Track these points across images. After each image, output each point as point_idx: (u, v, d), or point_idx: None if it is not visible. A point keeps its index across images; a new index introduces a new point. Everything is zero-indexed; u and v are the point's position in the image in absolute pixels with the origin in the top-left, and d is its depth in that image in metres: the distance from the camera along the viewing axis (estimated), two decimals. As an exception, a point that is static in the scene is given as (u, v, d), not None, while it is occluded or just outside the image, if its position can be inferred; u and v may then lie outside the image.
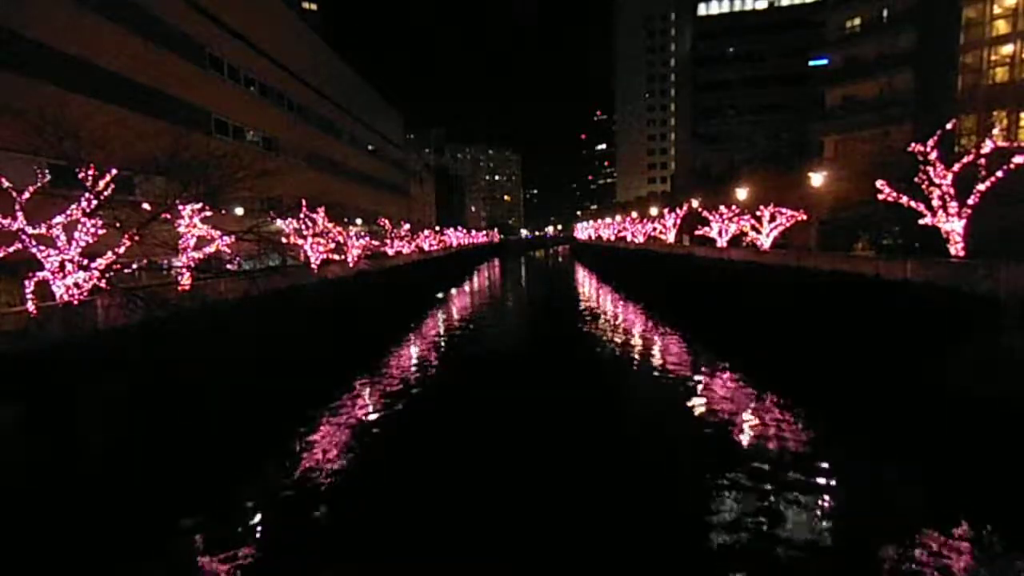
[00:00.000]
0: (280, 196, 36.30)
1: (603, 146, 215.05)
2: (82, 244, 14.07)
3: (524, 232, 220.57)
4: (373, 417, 16.58)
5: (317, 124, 48.70)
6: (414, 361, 24.06)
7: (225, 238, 19.08)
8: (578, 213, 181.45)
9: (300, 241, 29.10)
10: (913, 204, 19.36)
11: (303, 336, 22.65)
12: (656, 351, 24.70)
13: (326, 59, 52.97)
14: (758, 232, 32.74)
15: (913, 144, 19.08)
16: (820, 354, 19.06)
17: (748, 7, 74.70)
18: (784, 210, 31.28)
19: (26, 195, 13.48)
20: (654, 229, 58.36)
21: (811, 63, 58.65)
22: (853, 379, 16.80)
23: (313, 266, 29.07)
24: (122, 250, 14.88)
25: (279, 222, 29.13)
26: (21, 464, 10.30)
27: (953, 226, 18.57)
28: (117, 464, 11.81)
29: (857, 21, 43.94)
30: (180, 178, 17.89)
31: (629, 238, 67.40)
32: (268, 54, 39.07)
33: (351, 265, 34.58)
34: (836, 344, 18.70)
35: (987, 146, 17.49)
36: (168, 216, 17.32)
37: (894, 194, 19.66)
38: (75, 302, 13.73)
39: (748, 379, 18.84)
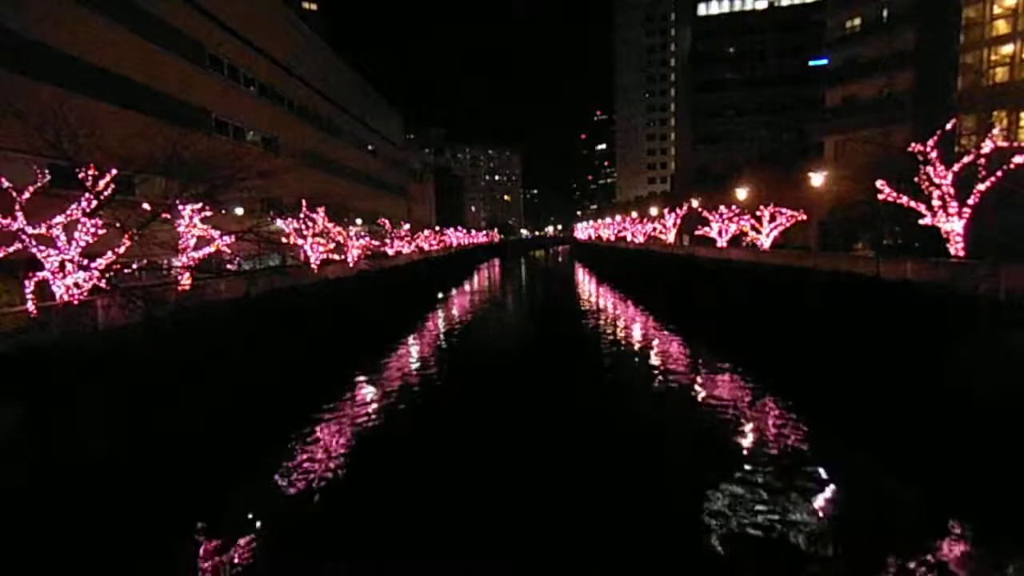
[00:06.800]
0: (280, 196, 36.30)
1: (603, 146, 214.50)
2: (82, 244, 14.06)
3: (524, 232, 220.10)
4: (371, 416, 16.56)
5: (317, 124, 48.66)
6: (415, 360, 24.04)
7: (225, 238, 19.06)
8: (578, 213, 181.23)
9: (300, 241, 29.10)
10: (913, 204, 19.35)
11: (303, 336, 22.64)
12: (655, 350, 24.69)
13: (326, 59, 52.94)
14: (758, 232, 32.74)
15: (913, 144, 19.06)
16: (820, 354, 19.06)
17: (748, 7, 74.55)
18: (784, 210, 31.29)
19: (26, 195, 13.48)
20: (654, 229, 58.29)
21: (811, 63, 58.72)
22: (853, 379, 16.78)
23: (313, 266, 29.06)
24: (122, 250, 14.87)
25: (279, 222, 29.14)
26: (21, 464, 10.30)
27: (953, 226, 18.56)
28: (116, 464, 11.81)
29: (857, 21, 43.84)
30: (180, 178, 17.86)
31: (629, 238, 67.31)
32: (268, 54, 39.04)
33: (351, 265, 34.57)
34: (837, 344, 18.69)
35: (987, 146, 17.48)
36: (168, 216, 17.34)
37: (894, 194, 19.64)
38: (75, 302, 13.72)
39: (748, 377, 18.85)
